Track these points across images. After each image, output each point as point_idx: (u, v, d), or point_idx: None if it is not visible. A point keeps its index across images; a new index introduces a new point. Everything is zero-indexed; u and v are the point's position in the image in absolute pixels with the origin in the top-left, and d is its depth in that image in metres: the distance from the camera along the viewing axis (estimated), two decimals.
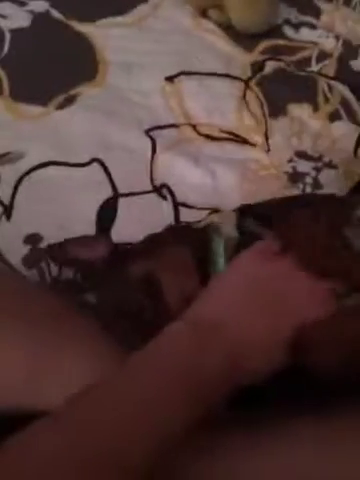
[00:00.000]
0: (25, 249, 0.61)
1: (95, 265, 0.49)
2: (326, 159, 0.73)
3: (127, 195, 0.66)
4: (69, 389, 0.36)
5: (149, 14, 0.85)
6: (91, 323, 0.50)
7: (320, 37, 0.87)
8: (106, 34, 0.81)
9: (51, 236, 0.62)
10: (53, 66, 0.76)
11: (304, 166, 0.72)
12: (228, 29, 0.84)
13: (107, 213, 0.64)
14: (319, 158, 0.73)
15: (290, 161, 0.73)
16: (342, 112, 0.77)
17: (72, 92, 0.74)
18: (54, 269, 0.60)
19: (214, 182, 0.69)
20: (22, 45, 0.79)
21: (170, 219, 0.65)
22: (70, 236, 0.61)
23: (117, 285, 0.49)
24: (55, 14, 0.83)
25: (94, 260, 0.49)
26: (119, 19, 0.84)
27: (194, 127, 0.74)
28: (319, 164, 0.73)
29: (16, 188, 0.66)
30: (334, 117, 0.77)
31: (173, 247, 0.49)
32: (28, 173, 0.67)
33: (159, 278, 0.47)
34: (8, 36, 0.80)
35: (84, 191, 0.65)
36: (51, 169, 0.67)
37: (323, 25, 0.89)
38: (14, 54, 0.78)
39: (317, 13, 0.90)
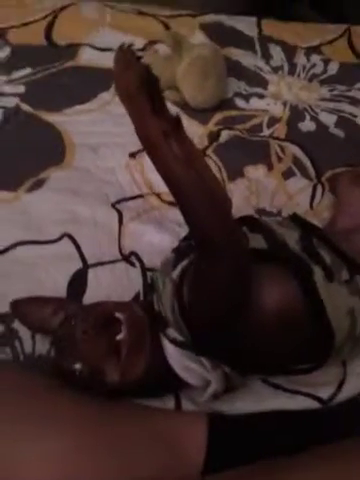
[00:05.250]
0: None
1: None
2: (284, 214, 0.77)
3: (96, 265, 0.69)
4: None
5: (110, 100, 0.93)
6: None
7: (269, 105, 0.95)
8: (72, 121, 0.88)
9: None
10: (23, 154, 0.81)
11: None
12: (184, 107, 0.92)
13: (77, 284, 0.66)
14: (278, 213, 0.78)
15: None
16: (295, 169, 0.83)
17: (41, 176, 0.79)
18: (27, 346, 0.61)
19: None
20: None
21: (139, 285, 0.67)
22: None
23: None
24: (25, 107, 0.91)
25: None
26: (84, 107, 0.92)
27: (158, 195, 0.79)
28: (279, 219, 0.77)
29: None
30: (288, 174, 0.82)
31: None
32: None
33: None
34: None
35: (55, 266, 0.68)
36: (22, 249, 0.70)
37: (271, 94, 0.97)
38: None
39: (264, 84, 0.99)
